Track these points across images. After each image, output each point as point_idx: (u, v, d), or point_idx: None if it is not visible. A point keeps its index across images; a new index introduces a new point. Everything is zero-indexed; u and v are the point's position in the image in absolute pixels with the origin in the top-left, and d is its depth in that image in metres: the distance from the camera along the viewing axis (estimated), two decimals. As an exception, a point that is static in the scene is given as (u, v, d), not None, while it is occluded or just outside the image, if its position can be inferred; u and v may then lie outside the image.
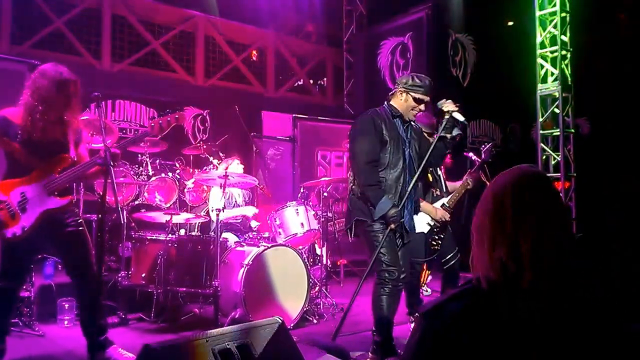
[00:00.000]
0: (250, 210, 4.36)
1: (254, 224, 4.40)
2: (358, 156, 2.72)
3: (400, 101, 2.79)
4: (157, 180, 4.49)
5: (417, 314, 1.05)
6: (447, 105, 2.79)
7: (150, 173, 4.54)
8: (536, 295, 0.96)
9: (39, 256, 3.55)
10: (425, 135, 3.15)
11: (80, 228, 2.62)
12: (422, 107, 2.79)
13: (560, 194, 1.10)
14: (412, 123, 2.88)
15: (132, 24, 6.39)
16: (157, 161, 4.76)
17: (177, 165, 4.92)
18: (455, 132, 2.83)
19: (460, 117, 2.76)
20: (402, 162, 2.75)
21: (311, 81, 8.10)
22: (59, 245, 2.64)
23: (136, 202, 4.45)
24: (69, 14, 5.92)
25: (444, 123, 2.79)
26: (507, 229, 1.01)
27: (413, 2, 6.79)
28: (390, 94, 2.87)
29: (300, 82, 8.00)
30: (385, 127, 2.73)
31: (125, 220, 3.88)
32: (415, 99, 2.75)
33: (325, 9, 7.46)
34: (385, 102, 2.86)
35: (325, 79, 8.29)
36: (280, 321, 2.08)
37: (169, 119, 2.73)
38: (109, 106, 5.87)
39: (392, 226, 2.64)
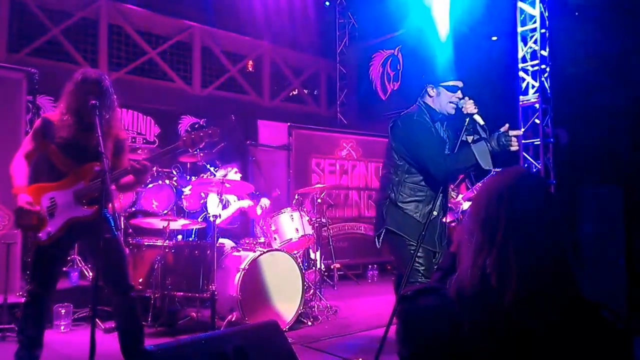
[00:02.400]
0: (246, 203, 4.32)
1: (259, 210, 4.32)
2: (432, 165, 2.37)
3: (433, 97, 2.50)
4: (154, 187, 4.42)
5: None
6: (468, 107, 2.44)
7: (147, 180, 4.47)
8: (515, 311, 0.89)
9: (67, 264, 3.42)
10: None
11: (114, 236, 2.48)
12: (458, 94, 2.46)
13: (553, 200, 1.01)
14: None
15: (129, 34, 6.36)
16: (154, 168, 4.69)
17: (174, 172, 4.85)
18: (478, 136, 2.48)
19: (480, 120, 2.42)
20: None
21: (305, 91, 8.11)
22: (93, 253, 2.53)
23: (133, 209, 4.38)
24: (66, 23, 5.86)
25: (464, 126, 2.44)
26: (497, 239, 0.94)
27: (402, 17, 6.89)
28: (420, 96, 2.56)
29: (295, 92, 8.00)
30: (433, 129, 2.47)
31: (122, 227, 3.80)
32: (448, 88, 2.46)
33: (319, 21, 7.52)
34: (421, 102, 2.55)
35: (319, 89, 8.30)
36: (275, 323, 2.03)
37: (202, 134, 2.57)
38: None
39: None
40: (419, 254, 2.36)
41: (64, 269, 3.93)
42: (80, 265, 4.26)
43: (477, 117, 2.43)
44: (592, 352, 0.89)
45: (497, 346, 0.89)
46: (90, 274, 4.10)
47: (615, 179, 6.11)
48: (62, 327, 3.41)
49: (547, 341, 0.89)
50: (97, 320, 2.70)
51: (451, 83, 2.46)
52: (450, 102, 2.46)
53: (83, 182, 2.41)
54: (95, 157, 2.36)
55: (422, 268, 2.38)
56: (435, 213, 2.41)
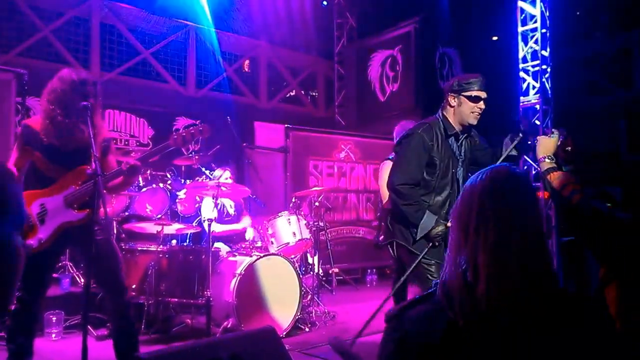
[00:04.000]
0: (241, 225, 4.31)
1: (249, 234, 4.33)
2: (397, 174, 2.44)
3: (454, 107, 2.45)
4: (148, 191, 4.40)
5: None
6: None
7: (141, 184, 4.45)
8: (487, 305, 0.92)
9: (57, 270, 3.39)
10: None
11: (108, 240, 2.47)
12: (481, 105, 2.42)
13: (533, 193, 1.04)
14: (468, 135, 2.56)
15: (122, 33, 6.33)
16: (148, 172, 4.67)
17: (169, 175, 4.83)
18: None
19: (545, 166, 2.18)
20: (449, 186, 2.45)
21: (303, 92, 8.11)
22: (86, 257, 2.50)
23: (126, 213, 4.35)
24: (57, 22, 5.84)
25: (515, 141, 2.44)
26: (470, 236, 0.98)
27: (402, 16, 6.94)
28: (441, 105, 2.53)
29: (293, 93, 8.00)
30: (437, 147, 2.43)
31: (115, 232, 3.77)
32: (470, 98, 2.40)
33: (316, 22, 7.51)
34: (440, 112, 2.52)
35: (316, 90, 8.30)
36: (272, 330, 2.02)
37: (192, 131, 2.56)
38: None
39: (435, 245, 2.37)
40: (432, 269, 2.37)
41: (55, 275, 3.90)
42: (71, 271, 4.23)
43: (548, 162, 2.13)
44: (573, 343, 0.92)
45: (488, 340, 0.92)
46: (82, 280, 4.07)
47: (614, 179, 6.15)
48: (53, 335, 3.39)
49: (524, 333, 0.92)
50: (89, 327, 2.69)
51: (474, 93, 2.40)
52: (472, 112, 2.43)
53: (73, 186, 2.39)
54: (84, 160, 2.35)
55: (435, 278, 2.37)
56: (441, 227, 2.35)
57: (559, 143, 2.04)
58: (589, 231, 1.64)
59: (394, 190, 2.42)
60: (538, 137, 2.13)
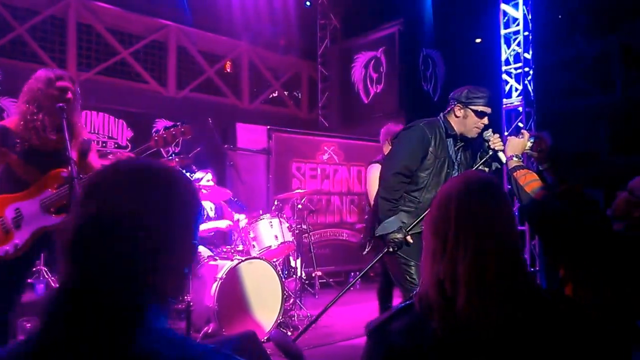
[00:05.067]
0: (224, 223, 4.30)
1: (227, 228, 4.30)
2: (391, 162, 2.50)
3: (459, 118, 2.49)
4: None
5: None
6: (495, 142, 2.46)
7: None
8: (468, 318, 0.91)
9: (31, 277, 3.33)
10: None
11: None
12: (485, 120, 2.48)
13: (507, 197, 1.06)
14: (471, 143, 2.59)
15: (99, 33, 6.27)
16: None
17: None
18: (494, 166, 2.56)
19: (503, 158, 2.38)
20: (440, 186, 2.51)
21: (286, 93, 8.13)
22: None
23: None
24: (32, 21, 5.76)
25: (484, 158, 2.49)
26: (448, 246, 0.96)
27: (385, 18, 7.00)
28: (445, 111, 2.57)
29: (275, 94, 8.01)
30: (435, 144, 2.48)
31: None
32: (476, 113, 2.45)
33: (299, 22, 7.55)
34: (441, 115, 2.57)
35: (300, 91, 8.33)
36: (253, 334, 2.04)
37: (174, 132, 2.52)
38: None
39: (390, 250, 2.41)
40: (412, 271, 2.41)
41: (30, 280, 3.84)
42: (46, 276, 4.18)
43: (501, 155, 2.40)
44: (554, 347, 0.92)
45: (472, 353, 0.91)
46: (57, 285, 4.02)
47: (595, 181, 6.33)
48: (27, 343, 3.33)
49: (505, 341, 0.91)
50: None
51: (481, 108, 2.44)
52: (475, 127, 2.48)
53: (49, 189, 2.36)
54: (61, 163, 2.31)
55: (416, 282, 2.40)
56: (399, 235, 2.39)
57: (529, 144, 2.16)
58: (551, 230, 1.72)
59: (385, 178, 2.45)
60: (508, 137, 2.26)
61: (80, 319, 0.69)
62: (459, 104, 2.47)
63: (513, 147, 2.14)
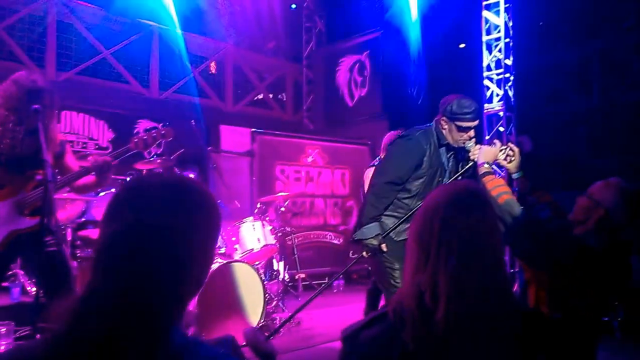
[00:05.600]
0: None
1: None
2: (384, 170, 2.56)
3: (446, 130, 2.55)
4: (107, 196, 4.33)
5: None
6: (474, 154, 2.47)
7: (110, 179, 4.37)
8: (445, 330, 0.91)
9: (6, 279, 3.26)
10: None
11: (59, 248, 2.39)
12: (471, 133, 2.52)
13: (492, 207, 1.06)
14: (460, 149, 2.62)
15: (80, 32, 6.19)
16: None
17: (129, 180, 4.76)
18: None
19: (482, 170, 2.37)
20: None
21: (271, 95, 8.14)
22: (36, 267, 2.41)
23: (82, 219, 4.26)
24: (10, 19, 5.67)
25: (465, 168, 2.54)
26: (431, 257, 0.96)
27: (370, 22, 7.08)
28: (436, 118, 2.61)
29: (260, 97, 8.02)
30: (429, 153, 2.53)
31: (69, 239, 3.69)
32: (461, 128, 2.50)
33: (285, 25, 7.58)
34: (433, 123, 2.62)
35: (284, 94, 8.35)
36: (232, 339, 2.04)
37: (154, 134, 2.53)
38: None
39: (364, 254, 2.49)
40: (396, 275, 2.45)
41: (4, 284, 3.77)
42: (22, 280, 4.11)
43: (482, 168, 2.38)
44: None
45: None
46: (33, 289, 3.96)
47: (575, 185, 6.49)
48: (3, 347, 3.28)
49: (477, 356, 0.91)
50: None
51: (465, 124, 2.48)
52: (460, 139, 2.53)
53: (24, 191, 2.34)
54: (36, 165, 2.29)
55: (400, 287, 2.44)
56: (374, 242, 2.43)
57: (501, 154, 2.26)
58: (516, 234, 1.78)
59: (377, 185, 2.49)
60: (482, 146, 2.34)
61: (116, 322, 0.72)
62: (444, 117, 2.52)
63: (485, 154, 2.23)
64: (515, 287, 5.28)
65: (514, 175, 2.24)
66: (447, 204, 0.99)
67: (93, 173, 2.40)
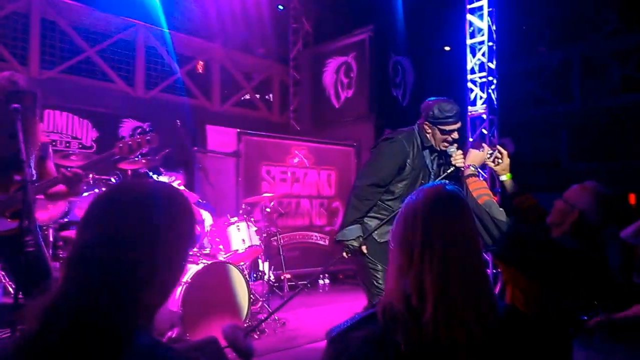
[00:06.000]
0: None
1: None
2: (367, 172, 2.59)
3: (429, 133, 2.57)
4: (91, 196, 4.30)
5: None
6: (456, 159, 2.50)
7: (82, 190, 4.33)
8: (435, 330, 0.92)
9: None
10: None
11: (39, 249, 2.37)
12: (454, 135, 2.55)
13: (470, 209, 1.08)
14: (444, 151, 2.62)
15: (64, 30, 6.12)
16: (90, 175, 4.55)
17: (113, 180, 4.73)
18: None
19: (467, 172, 2.34)
20: None
21: (257, 96, 8.15)
22: (15, 268, 2.39)
23: (65, 219, 4.23)
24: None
25: (447, 172, 2.56)
26: (415, 260, 0.97)
27: (357, 24, 7.13)
28: (419, 122, 2.63)
29: (247, 97, 8.02)
30: (412, 156, 2.56)
31: (52, 240, 3.66)
32: (443, 132, 2.52)
33: (272, 26, 7.59)
34: (417, 126, 2.63)
35: (271, 94, 8.36)
36: (215, 340, 2.06)
37: (139, 140, 2.52)
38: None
39: (345, 255, 2.53)
40: (378, 275, 2.49)
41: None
42: (3, 281, 4.06)
43: (472, 169, 2.37)
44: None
45: None
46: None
47: (557, 187, 6.64)
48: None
49: (473, 353, 0.93)
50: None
51: (448, 127, 2.50)
52: (444, 142, 2.55)
53: (4, 193, 2.32)
54: (16, 167, 2.25)
55: (382, 288, 2.46)
56: (355, 244, 2.47)
57: (488, 156, 2.30)
58: (498, 240, 1.84)
59: (360, 187, 2.52)
60: (469, 149, 2.37)
61: (74, 331, 0.76)
62: (427, 122, 2.54)
63: (472, 158, 2.27)
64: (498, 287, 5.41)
65: (501, 178, 2.28)
66: (427, 206, 1.01)
67: (65, 184, 2.37)
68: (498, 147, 2.33)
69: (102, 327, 0.77)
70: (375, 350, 0.92)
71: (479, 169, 2.32)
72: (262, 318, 4.10)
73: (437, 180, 2.58)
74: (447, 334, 0.91)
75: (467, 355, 0.92)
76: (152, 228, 0.84)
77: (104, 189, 4.43)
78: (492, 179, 5.44)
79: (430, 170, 2.63)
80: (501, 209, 1.93)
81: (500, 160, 2.28)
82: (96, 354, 0.76)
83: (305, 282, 3.17)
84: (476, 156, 2.27)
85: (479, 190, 1.99)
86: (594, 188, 1.80)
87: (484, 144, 2.40)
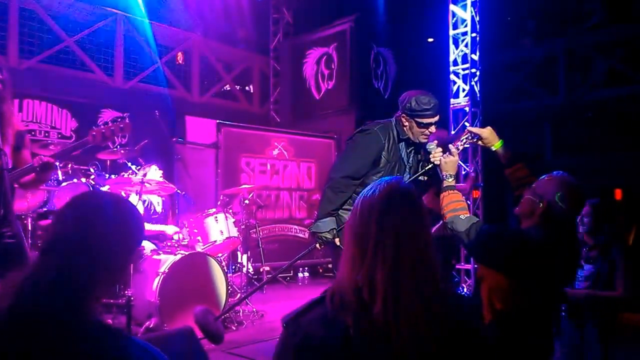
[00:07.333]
0: (172, 230, 4.36)
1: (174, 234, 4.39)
2: (342, 164, 2.61)
3: (406, 127, 2.55)
4: (69, 186, 4.37)
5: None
6: (435, 157, 2.42)
7: (61, 178, 4.41)
8: (385, 323, 0.96)
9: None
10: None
11: (17, 240, 2.39)
12: (432, 129, 2.52)
13: (423, 206, 1.12)
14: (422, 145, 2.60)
15: (43, 19, 6.13)
16: (69, 165, 4.62)
17: (92, 170, 4.79)
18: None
19: (443, 171, 2.26)
20: None
21: (237, 87, 8.19)
22: None
23: (44, 209, 4.30)
24: (-31, 6, 5.57)
25: (425, 169, 2.53)
26: (368, 254, 1.00)
27: (338, 14, 7.15)
28: (396, 114, 2.60)
29: (227, 88, 8.06)
30: (387, 148, 2.56)
31: (30, 229, 3.74)
32: (421, 125, 2.50)
33: (252, 16, 7.61)
34: (394, 119, 2.62)
35: (251, 85, 8.41)
36: (190, 330, 2.15)
37: (112, 128, 2.56)
38: (15, 106, 5.57)
39: (317, 246, 2.57)
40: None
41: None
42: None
43: (450, 181, 2.27)
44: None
45: (375, 352, 0.96)
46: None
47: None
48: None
49: (414, 353, 0.96)
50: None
51: (425, 120, 2.48)
52: (422, 135, 2.53)
53: None
54: None
55: None
56: (328, 236, 2.52)
57: (461, 146, 2.22)
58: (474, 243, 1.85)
59: (335, 179, 2.54)
60: (443, 157, 2.28)
61: (43, 302, 0.95)
62: (404, 114, 2.52)
63: (446, 167, 2.16)
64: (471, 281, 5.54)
65: (493, 148, 2.18)
66: (382, 204, 1.04)
67: (37, 172, 2.42)
68: (468, 129, 2.27)
69: (59, 306, 0.95)
70: (326, 330, 0.97)
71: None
72: (241, 309, 4.22)
73: (414, 176, 2.57)
74: (396, 329, 0.95)
75: (417, 354, 0.95)
76: (99, 232, 1.05)
77: (83, 179, 4.51)
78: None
79: (406, 163, 2.65)
80: (471, 216, 1.92)
81: (478, 135, 2.18)
82: (52, 329, 0.93)
83: (290, 274, 3.27)
84: (449, 164, 2.18)
85: (449, 205, 1.97)
86: (559, 178, 1.82)
87: (450, 146, 2.30)
